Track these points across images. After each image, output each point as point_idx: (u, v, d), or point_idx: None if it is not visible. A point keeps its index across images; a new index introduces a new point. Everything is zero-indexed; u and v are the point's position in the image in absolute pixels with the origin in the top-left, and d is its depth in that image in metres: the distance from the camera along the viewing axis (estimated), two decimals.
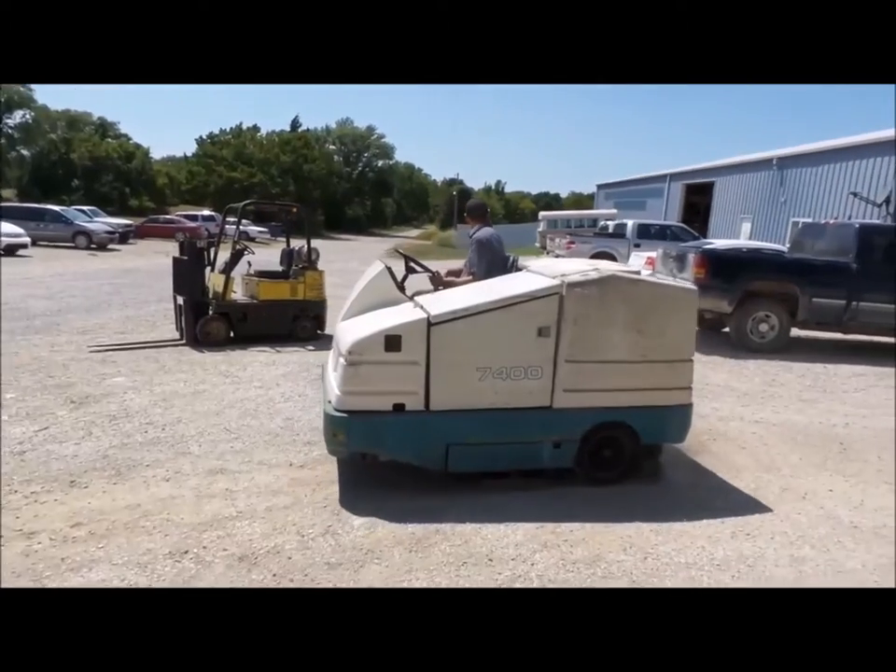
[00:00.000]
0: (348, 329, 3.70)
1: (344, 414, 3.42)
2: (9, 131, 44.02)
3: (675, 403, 3.82)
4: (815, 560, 3.10)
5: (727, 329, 8.56)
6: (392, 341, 3.37)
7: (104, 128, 51.75)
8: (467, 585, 2.76)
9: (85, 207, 27.54)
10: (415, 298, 3.97)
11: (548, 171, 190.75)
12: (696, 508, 3.59)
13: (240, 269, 7.86)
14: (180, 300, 7.29)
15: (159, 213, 37.46)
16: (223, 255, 7.65)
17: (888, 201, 14.95)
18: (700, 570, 2.96)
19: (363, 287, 4.08)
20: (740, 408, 5.58)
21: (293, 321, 7.75)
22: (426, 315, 3.45)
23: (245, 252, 7.91)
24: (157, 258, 18.76)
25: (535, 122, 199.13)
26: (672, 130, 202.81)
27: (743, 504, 3.70)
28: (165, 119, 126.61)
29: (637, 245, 17.24)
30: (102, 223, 24.03)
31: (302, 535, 3.12)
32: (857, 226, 8.64)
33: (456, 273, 4.75)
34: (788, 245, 11.55)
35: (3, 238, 17.21)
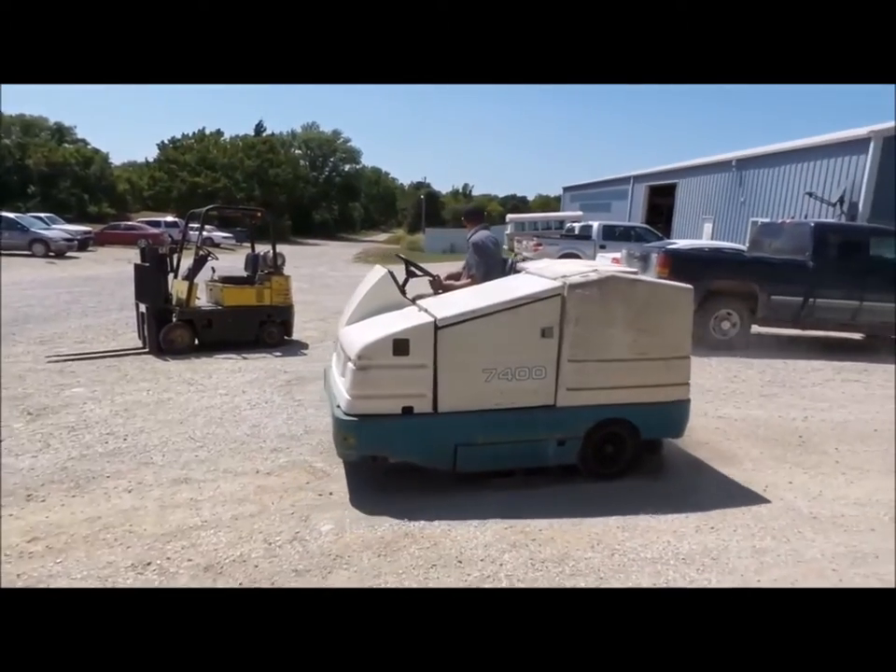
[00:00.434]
0: (354, 333, 3.73)
1: (354, 418, 3.45)
2: None
3: (673, 399, 3.96)
4: (776, 550, 3.18)
5: None
6: (400, 345, 3.42)
7: (60, 133, 50.48)
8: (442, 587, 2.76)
9: (42, 214, 26.75)
10: (417, 301, 4.01)
11: (515, 174, 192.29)
12: (662, 503, 3.65)
13: (204, 275, 7.73)
14: (142, 307, 7.14)
15: (120, 219, 36.52)
16: (186, 261, 7.52)
17: (841, 200, 15.44)
18: (665, 565, 3.01)
19: (366, 291, 4.10)
20: (704, 404, 5.69)
21: (259, 327, 7.66)
22: (432, 319, 3.50)
23: (209, 258, 7.78)
24: (118, 265, 18.36)
25: (501, 125, 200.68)
26: (637, 131, 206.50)
27: (707, 498, 3.77)
28: (125, 124, 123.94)
29: (603, 247, 17.49)
30: (60, 230, 23.38)
31: (269, 542, 3.08)
32: (812, 225, 8.91)
33: (455, 277, 4.79)
34: (747, 245, 11.84)
35: None
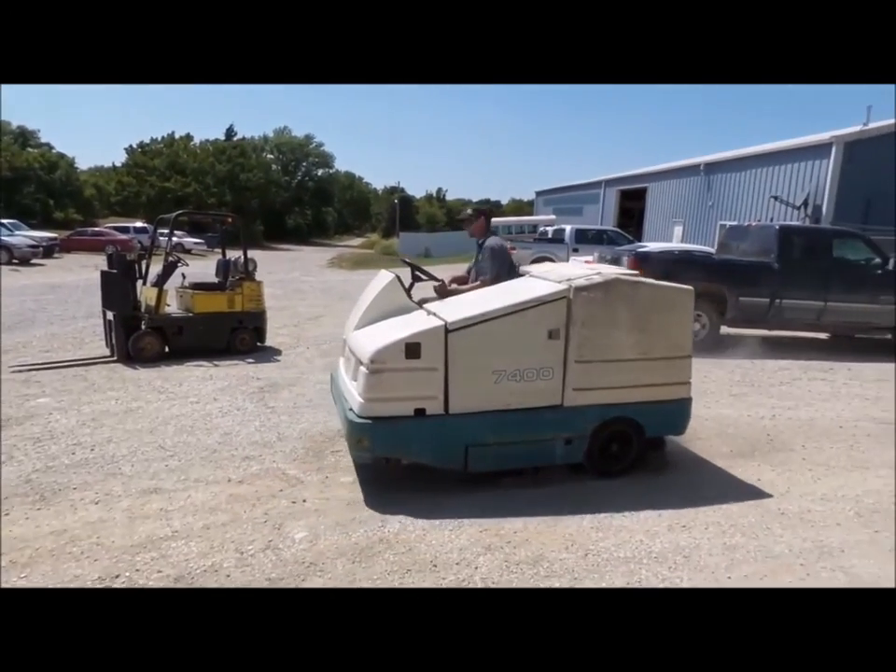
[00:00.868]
0: (364, 337, 3.79)
1: (368, 421, 3.51)
2: None
3: (676, 397, 4.09)
4: (745, 547, 3.24)
5: None
6: (412, 348, 3.49)
7: (24, 136, 49.19)
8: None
9: (5, 220, 26.02)
10: (424, 305, 4.05)
11: (488, 178, 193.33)
12: (635, 502, 3.69)
13: (174, 281, 7.61)
14: (110, 315, 6.99)
15: (87, 225, 35.77)
16: (156, 267, 7.40)
17: (805, 203, 15.85)
18: (639, 564, 3.04)
19: (374, 296, 4.15)
20: None
21: (231, 333, 7.56)
22: (443, 323, 3.57)
23: (179, 264, 7.66)
24: (85, 272, 17.96)
25: (475, 128, 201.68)
26: (609, 134, 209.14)
27: (678, 496, 3.82)
28: (91, 128, 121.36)
29: (576, 250, 17.71)
30: (24, 237, 22.76)
31: (241, 552, 3.03)
32: (777, 227, 9.12)
33: (460, 281, 4.81)
34: (716, 247, 12.07)
35: None
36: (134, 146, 52.16)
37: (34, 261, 21.32)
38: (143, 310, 7.14)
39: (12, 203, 38.40)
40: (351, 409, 3.64)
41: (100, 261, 8.76)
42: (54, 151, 47.90)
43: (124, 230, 31.19)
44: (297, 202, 62.46)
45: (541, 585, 2.84)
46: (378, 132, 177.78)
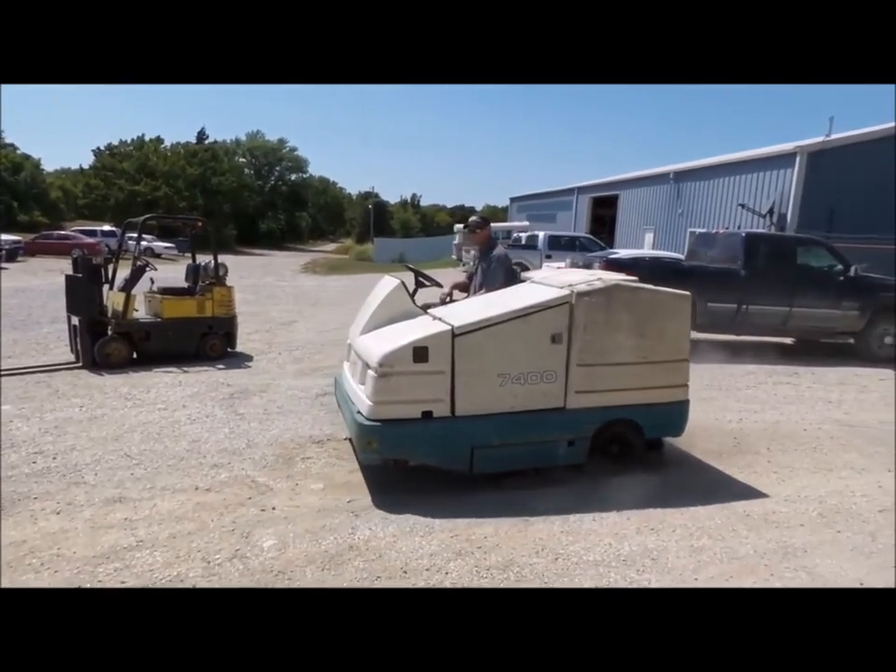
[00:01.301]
0: (371, 342, 3.89)
1: (377, 423, 3.57)
2: None
3: (674, 400, 4.20)
4: (712, 549, 3.29)
5: None
6: (420, 352, 3.56)
7: None
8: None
9: None
10: (429, 311, 4.13)
11: (463, 184, 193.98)
12: (603, 505, 3.72)
13: (142, 286, 7.48)
14: (75, 320, 6.83)
15: (52, 228, 34.99)
16: (124, 272, 7.25)
17: (771, 211, 16.22)
18: (608, 567, 3.07)
19: (380, 301, 4.21)
20: None
21: (201, 339, 7.45)
22: (449, 327, 3.64)
23: (147, 268, 7.53)
24: (50, 276, 17.55)
25: (449, 134, 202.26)
26: (583, 139, 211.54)
27: (646, 499, 3.86)
28: (57, 129, 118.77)
29: (549, 256, 17.88)
30: None
31: (208, 561, 2.98)
32: (743, 235, 9.33)
33: (462, 287, 4.97)
34: (685, 254, 12.27)
35: None
36: (102, 147, 51.27)
37: None
38: (110, 315, 6.99)
39: None
40: (359, 412, 3.71)
41: (65, 265, 8.56)
42: (19, 152, 46.81)
43: (91, 233, 30.60)
44: (270, 206, 61.99)
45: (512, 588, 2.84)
46: (352, 136, 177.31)
